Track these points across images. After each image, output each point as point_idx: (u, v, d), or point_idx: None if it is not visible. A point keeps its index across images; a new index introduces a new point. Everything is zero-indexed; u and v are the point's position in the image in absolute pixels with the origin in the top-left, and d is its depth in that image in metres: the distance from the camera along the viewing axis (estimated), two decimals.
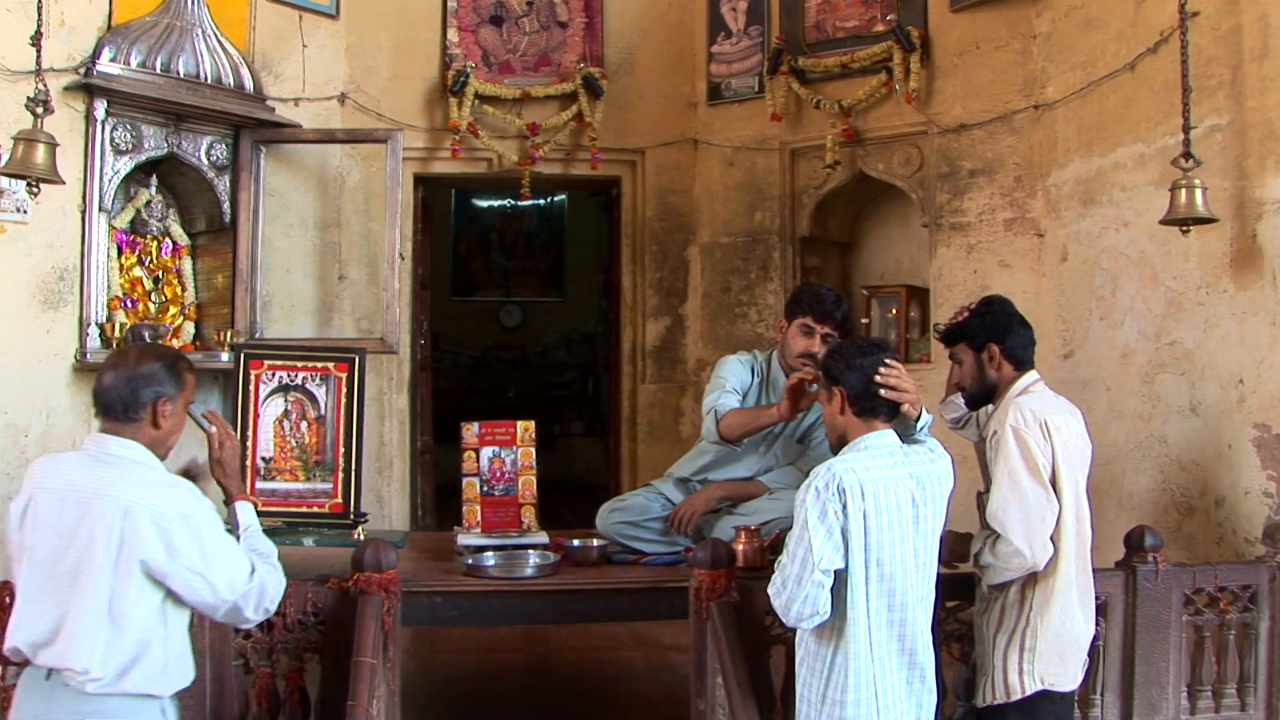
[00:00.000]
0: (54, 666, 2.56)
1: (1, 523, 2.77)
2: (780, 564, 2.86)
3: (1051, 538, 3.07)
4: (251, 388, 4.33)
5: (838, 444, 2.98)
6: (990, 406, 3.43)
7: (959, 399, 3.56)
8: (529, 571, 3.98)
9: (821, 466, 2.81)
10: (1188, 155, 4.03)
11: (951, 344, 3.43)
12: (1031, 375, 3.33)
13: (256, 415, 4.32)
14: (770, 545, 4.07)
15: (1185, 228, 4.10)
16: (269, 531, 3.09)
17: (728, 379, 4.39)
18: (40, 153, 4.27)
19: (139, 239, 5.52)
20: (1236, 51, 4.16)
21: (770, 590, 2.87)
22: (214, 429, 3.07)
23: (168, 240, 5.68)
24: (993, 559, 3.11)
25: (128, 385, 2.70)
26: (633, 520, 4.36)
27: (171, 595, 2.66)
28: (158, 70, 5.28)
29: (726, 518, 4.34)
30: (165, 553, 2.59)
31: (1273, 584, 3.73)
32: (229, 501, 3.01)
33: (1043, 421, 3.12)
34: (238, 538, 2.87)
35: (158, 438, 2.76)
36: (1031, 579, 3.12)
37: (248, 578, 2.72)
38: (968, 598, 3.43)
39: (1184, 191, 4.00)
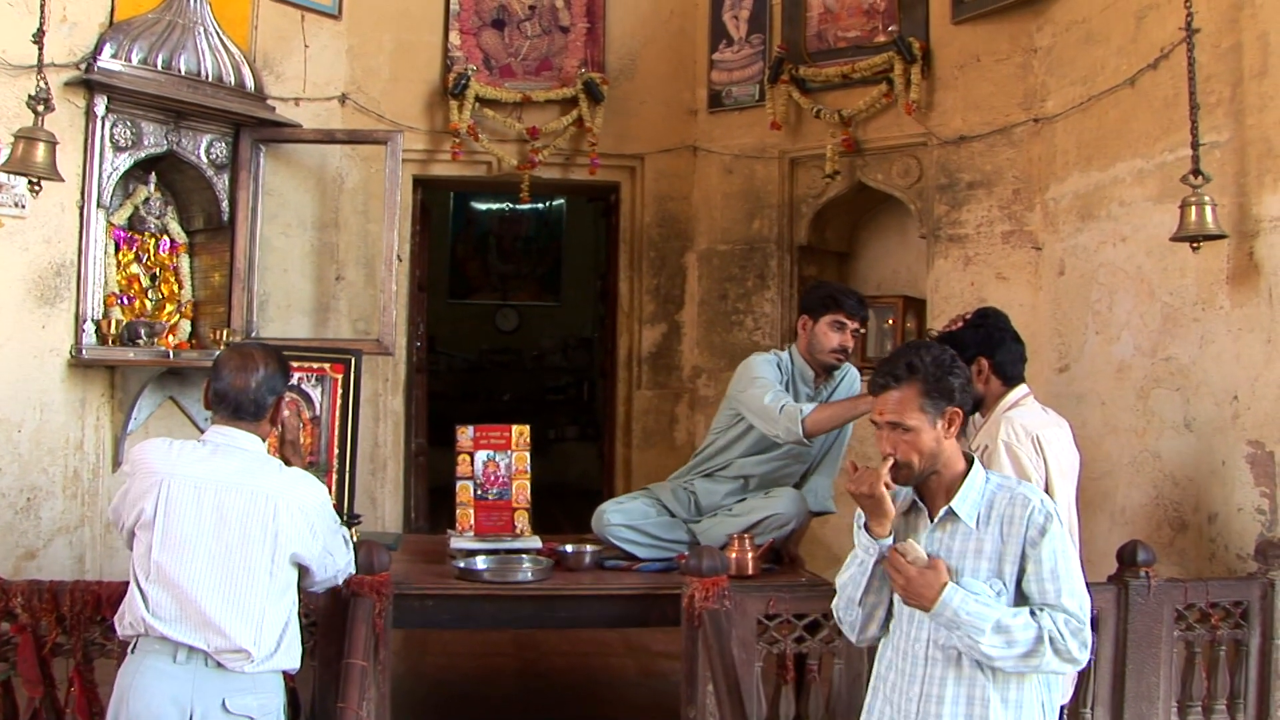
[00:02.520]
0: (210, 649, 2.70)
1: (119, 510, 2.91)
2: (1039, 613, 2.45)
3: None
4: None
5: (923, 471, 2.57)
6: (977, 418, 3.43)
7: None
8: (521, 576, 3.98)
9: (1026, 489, 2.56)
10: (1196, 172, 4.03)
11: None
12: (1021, 389, 3.33)
13: None
14: (763, 554, 4.08)
15: (1195, 244, 4.10)
16: None
17: (770, 378, 4.37)
18: (40, 151, 4.27)
19: (137, 236, 5.52)
20: (1236, 69, 4.17)
21: (1069, 639, 2.42)
22: (286, 413, 3.24)
23: (165, 238, 5.67)
24: None
25: (258, 390, 2.91)
26: (630, 524, 4.38)
27: (298, 573, 2.95)
28: (159, 67, 5.28)
29: (722, 519, 4.36)
30: (310, 537, 2.89)
31: (1264, 601, 3.73)
32: None
33: (1034, 436, 3.13)
34: None
35: (270, 431, 3.02)
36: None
37: (346, 550, 3.11)
38: None
39: (1194, 208, 4.00)
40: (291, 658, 2.88)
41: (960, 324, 3.41)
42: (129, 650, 2.80)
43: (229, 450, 2.86)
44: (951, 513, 2.56)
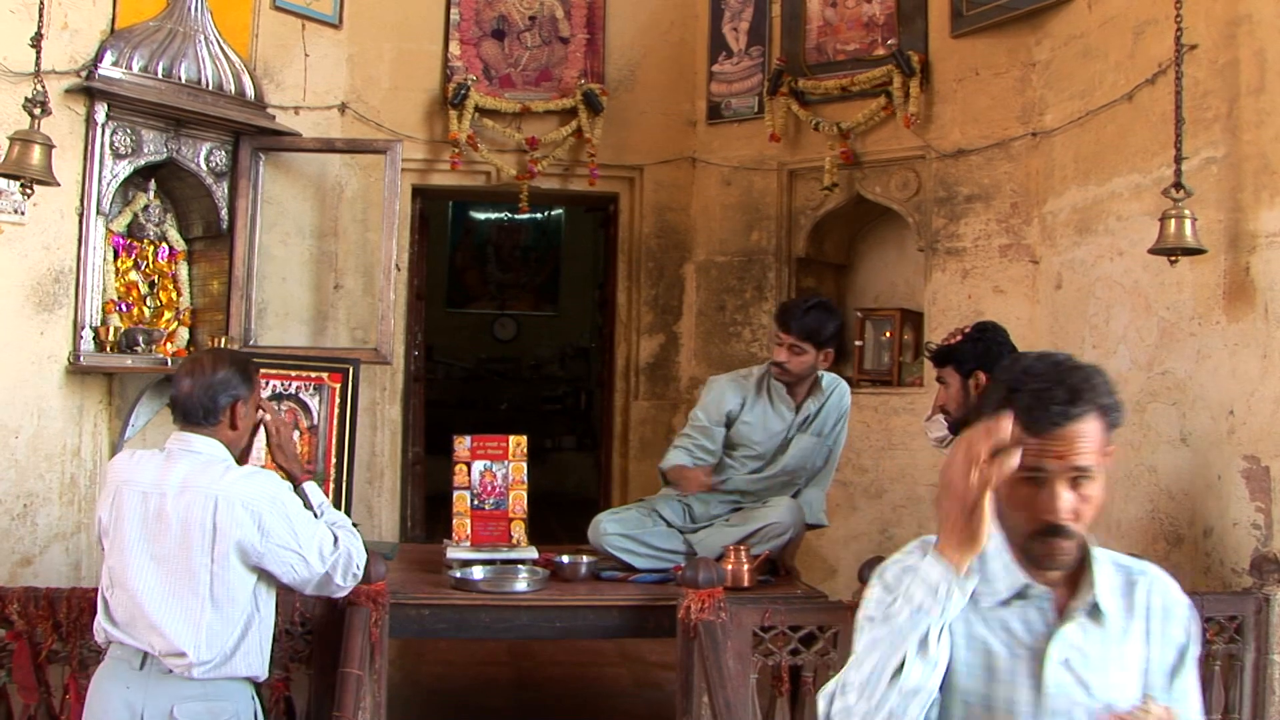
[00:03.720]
0: (155, 653, 2.70)
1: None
2: None
3: None
4: None
5: None
6: None
7: (943, 418, 3.57)
8: (517, 586, 3.98)
9: (1157, 572, 2.00)
10: (1179, 185, 4.05)
11: (940, 365, 3.45)
12: None
13: None
14: (758, 566, 4.08)
15: (1174, 258, 4.12)
16: None
17: (707, 413, 4.55)
18: (36, 154, 4.26)
19: (136, 243, 5.52)
20: (1233, 85, 4.19)
21: None
22: (268, 417, 3.21)
23: (164, 245, 5.67)
24: None
25: (206, 392, 2.88)
26: (627, 533, 4.39)
27: (264, 579, 2.86)
28: (159, 75, 5.28)
29: (719, 528, 4.38)
30: (258, 535, 2.78)
31: (1259, 615, 3.73)
32: (295, 485, 3.17)
33: None
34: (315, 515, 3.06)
35: (234, 438, 2.96)
36: None
37: (333, 546, 2.93)
38: None
39: (1173, 221, 4.02)
40: (251, 665, 2.84)
41: (959, 337, 3.43)
42: (101, 657, 2.86)
43: (181, 455, 2.86)
44: (1095, 607, 1.83)
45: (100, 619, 2.80)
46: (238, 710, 2.81)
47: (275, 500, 2.84)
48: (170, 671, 2.71)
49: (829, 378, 4.60)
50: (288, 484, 2.97)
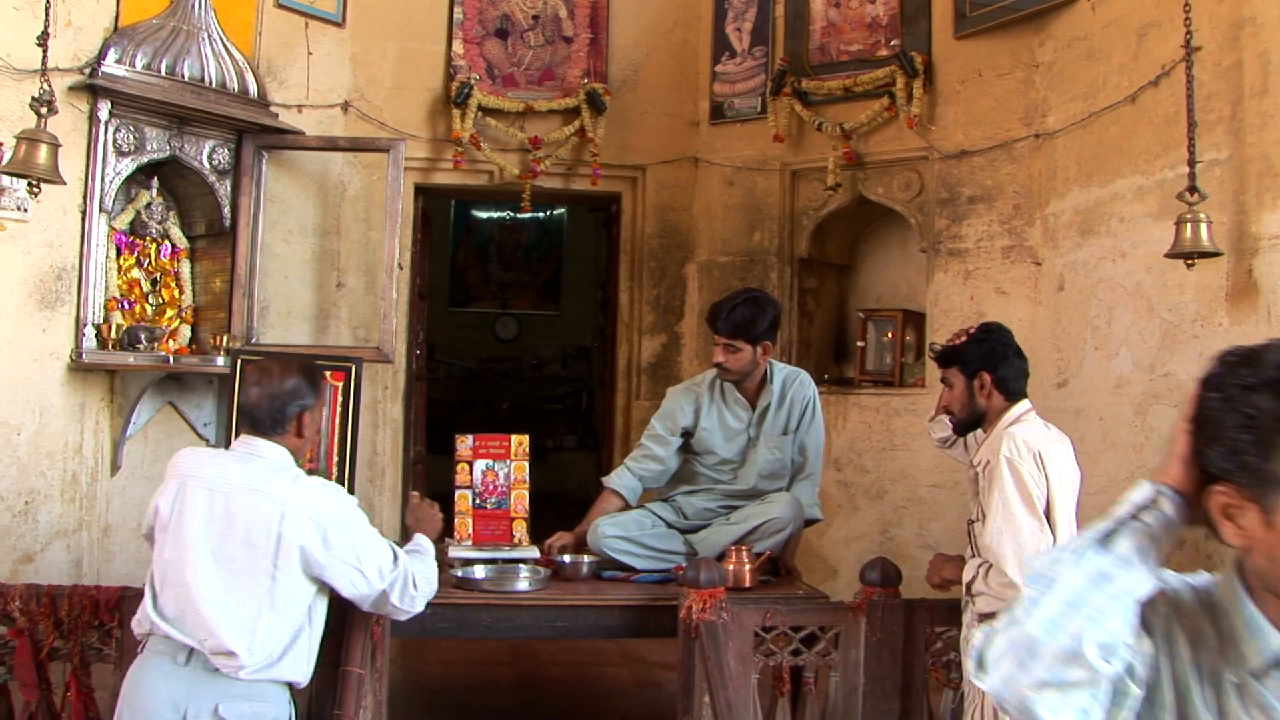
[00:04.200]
0: (206, 650, 2.71)
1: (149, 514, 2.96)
2: None
3: None
4: None
5: None
6: (979, 432, 3.43)
7: (947, 419, 3.57)
8: (519, 586, 3.98)
9: None
10: (1193, 189, 4.05)
11: (945, 366, 3.45)
12: (1023, 405, 3.34)
13: None
14: (760, 566, 4.08)
15: (1190, 261, 4.12)
16: None
17: (661, 422, 4.61)
18: (42, 153, 4.27)
19: (138, 240, 5.52)
20: (1237, 87, 4.19)
21: None
22: (417, 507, 3.57)
23: (167, 243, 5.67)
24: (986, 589, 3.12)
25: (275, 402, 2.92)
26: (626, 535, 4.38)
27: (322, 590, 2.90)
28: (163, 73, 5.28)
29: (719, 527, 4.38)
30: (322, 546, 2.82)
31: None
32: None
33: (1036, 452, 3.13)
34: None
35: (300, 445, 3.00)
36: None
37: (393, 564, 2.96)
38: (957, 623, 3.43)
39: (1189, 225, 4.02)
40: (296, 670, 2.87)
41: (964, 338, 3.43)
42: (139, 649, 2.84)
43: (249, 458, 2.91)
44: None
45: (147, 610, 2.79)
46: (277, 714, 2.83)
47: (340, 514, 2.89)
48: (216, 670, 2.72)
49: (786, 370, 4.60)
50: (354, 499, 3.02)
